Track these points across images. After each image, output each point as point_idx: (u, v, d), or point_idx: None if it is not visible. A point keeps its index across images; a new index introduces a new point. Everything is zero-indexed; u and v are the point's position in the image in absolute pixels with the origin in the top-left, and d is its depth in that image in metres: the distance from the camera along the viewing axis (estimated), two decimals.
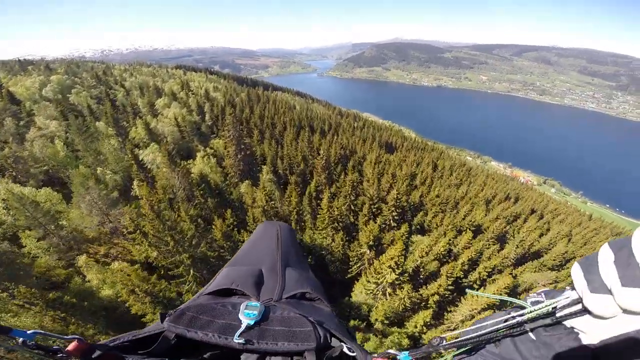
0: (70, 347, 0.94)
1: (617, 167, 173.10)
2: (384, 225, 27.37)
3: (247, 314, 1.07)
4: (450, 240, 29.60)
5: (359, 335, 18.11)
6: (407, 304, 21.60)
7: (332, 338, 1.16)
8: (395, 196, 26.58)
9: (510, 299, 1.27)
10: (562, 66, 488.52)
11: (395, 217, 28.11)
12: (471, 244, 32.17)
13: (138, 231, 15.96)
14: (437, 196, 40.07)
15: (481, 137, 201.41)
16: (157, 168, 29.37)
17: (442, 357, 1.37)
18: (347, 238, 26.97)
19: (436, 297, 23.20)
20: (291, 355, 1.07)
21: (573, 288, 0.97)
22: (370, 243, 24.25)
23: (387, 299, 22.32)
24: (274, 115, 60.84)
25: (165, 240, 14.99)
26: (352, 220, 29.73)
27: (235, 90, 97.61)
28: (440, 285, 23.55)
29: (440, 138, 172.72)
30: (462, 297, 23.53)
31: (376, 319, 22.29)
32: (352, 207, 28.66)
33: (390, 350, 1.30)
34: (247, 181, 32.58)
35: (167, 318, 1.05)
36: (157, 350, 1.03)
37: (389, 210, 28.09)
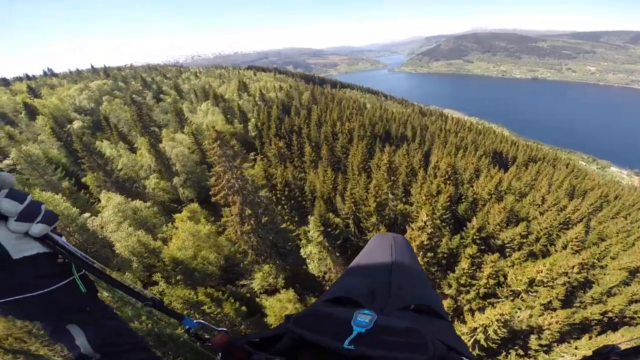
0: (218, 338, 1.18)
1: None
2: None
3: (360, 321, 1.08)
4: None
5: None
6: None
7: (450, 352, 1.16)
8: None
9: None
10: None
11: None
12: None
13: None
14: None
15: (593, 137, 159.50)
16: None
17: None
18: None
19: None
20: None
21: None
22: None
23: None
24: (336, 121, 44.81)
25: None
26: None
27: (298, 89, 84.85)
28: None
29: (541, 137, 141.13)
30: None
31: None
32: None
33: None
34: (267, 267, 17.51)
35: (291, 320, 1.15)
36: (280, 348, 1.15)
37: None
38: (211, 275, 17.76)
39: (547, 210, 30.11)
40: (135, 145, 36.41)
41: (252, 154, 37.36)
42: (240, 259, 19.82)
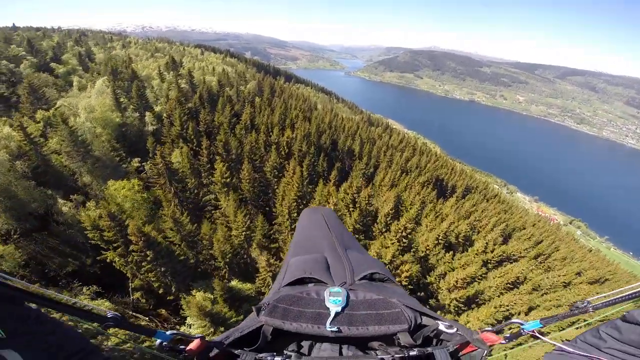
0: (193, 345, 1.05)
1: None
2: None
3: (333, 300, 1.07)
4: None
5: None
6: None
7: (422, 317, 1.17)
8: None
9: None
10: (608, 95, 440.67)
11: None
12: None
13: None
14: None
15: (508, 163, 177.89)
16: None
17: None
18: None
19: None
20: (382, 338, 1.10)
21: None
22: None
23: None
24: (274, 125, 37.07)
25: None
26: None
27: (244, 77, 74.94)
28: None
29: (466, 158, 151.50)
30: None
31: None
32: None
33: (514, 320, 1.23)
34: None
35: (262, 312, 1.10)
36: (262, 344, 1.09)
37: None
38: None
39: (491, 263, 27.24)
40: None
41: (136, 159, 26.57)
42: None
